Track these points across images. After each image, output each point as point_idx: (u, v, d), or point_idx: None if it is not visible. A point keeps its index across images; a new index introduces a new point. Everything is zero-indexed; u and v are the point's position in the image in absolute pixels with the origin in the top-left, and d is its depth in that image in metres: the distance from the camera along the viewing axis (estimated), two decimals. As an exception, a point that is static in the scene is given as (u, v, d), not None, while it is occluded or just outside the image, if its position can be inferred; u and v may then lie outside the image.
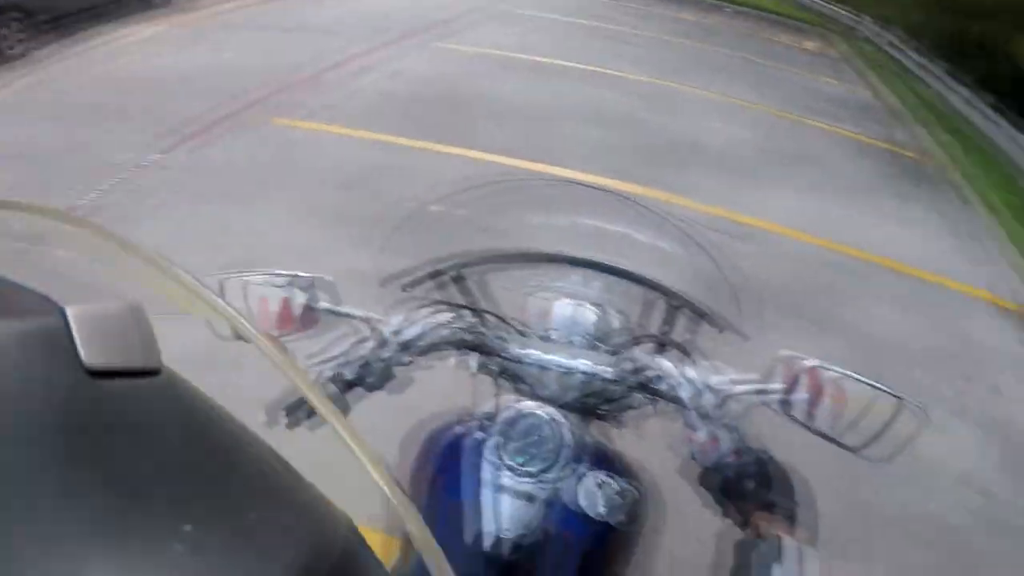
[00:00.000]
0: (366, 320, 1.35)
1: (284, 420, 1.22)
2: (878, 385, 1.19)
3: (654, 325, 1.69)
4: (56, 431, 0.32)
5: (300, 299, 1.35)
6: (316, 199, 5.16)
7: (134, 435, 0.35)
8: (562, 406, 1.38)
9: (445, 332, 1.37)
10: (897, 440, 1.17)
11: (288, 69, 7.12)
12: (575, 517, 1.25)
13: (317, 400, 0.45)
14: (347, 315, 1.36)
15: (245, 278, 1.36)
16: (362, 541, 0.43)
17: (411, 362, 1.37)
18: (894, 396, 1.17)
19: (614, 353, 1.59)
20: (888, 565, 3.38)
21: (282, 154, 5.77)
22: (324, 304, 1.35)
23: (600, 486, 1.25)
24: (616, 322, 1.76)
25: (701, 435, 1.23)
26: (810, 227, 6.09)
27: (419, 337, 1.34)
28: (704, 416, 1.24)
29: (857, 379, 1.20)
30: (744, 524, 1.12)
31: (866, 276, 5.59)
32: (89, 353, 0.34)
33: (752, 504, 1.12)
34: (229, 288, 1.33)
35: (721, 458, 1.21)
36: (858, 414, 1.19)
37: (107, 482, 0.32)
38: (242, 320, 0.46)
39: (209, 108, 6.54)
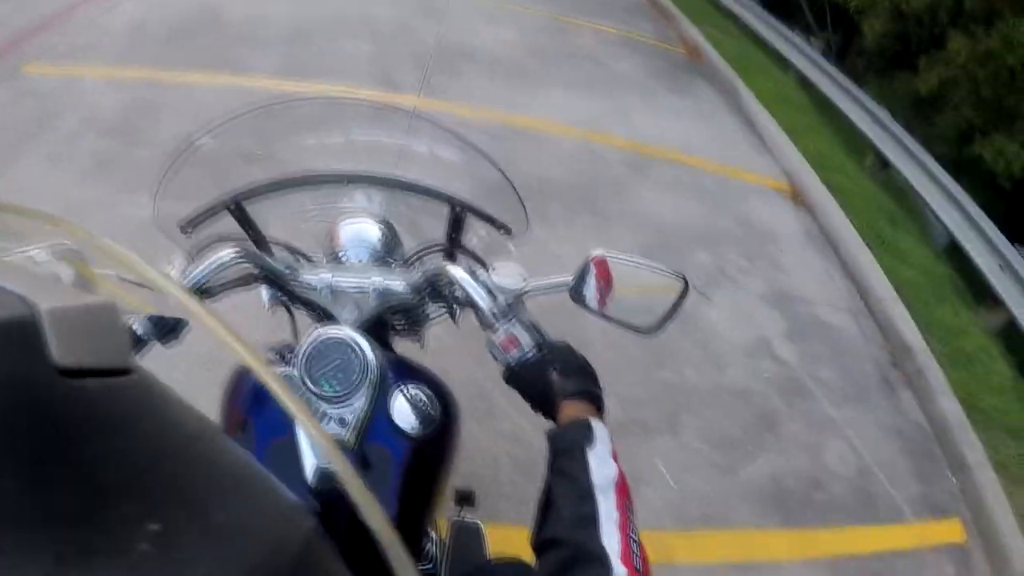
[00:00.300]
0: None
1: None
2: (657, 267, 1.23)
3: (441, 234, 1.70)
4: (25, 429, 0.31)
5: (67, 271, 1.18)
6: (80, 149, 4.67)
7: (103, 434, 0.34)
8: (362, 327, 1.36)
9: (232, 270, 1.31)
10: (669, 312, 1.24)
11: (34, 9, 6.34)
12: (389, 433, 1.25)
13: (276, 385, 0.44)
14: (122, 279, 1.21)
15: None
16: (323, 536, 0.44)
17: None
18: (671, 274, 1.23)
19: (405, 266, 1.61)
20: (694, 432, 3.60)
21: (37, 105, 5.13)
22: (98, 271, 1.20)
23: (410, 400, 1.27)
24: (404, 237, 1.76)
25: (500, 335, 1.24)
26: (588, 124, 6.19)
27: (206, 277, 1.26)
28: (500, 316, 1.25)
29: (640, 264, 1.24)
30: (553, 415, 1.15)
31: (646, 168, 5.75)
32: (60, 351, 0.34)
33: (558, 395, 1.14)
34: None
35: (522, 356, 1.23)
36: (642, 296, 1.25)
37: (75, 481, 0.31)
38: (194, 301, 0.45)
39: None
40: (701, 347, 4.02)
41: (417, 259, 1.67)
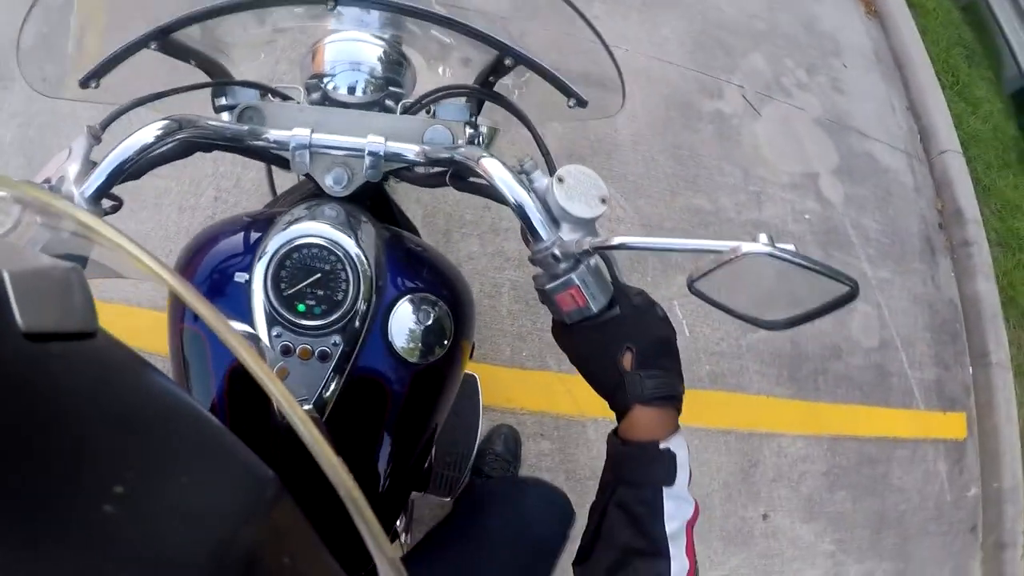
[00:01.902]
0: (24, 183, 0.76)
1: None
2: (825, 269, 0.75)
3: (471, 71, 1.27)
4: None
5: None
6: None
7: (69, 397, 0.34)
8: (351, 195, 1.08)
9: (163, 144, 0.92)
10: (814, 311, 0.80)
11: None
12: (387, 359, 1.03)
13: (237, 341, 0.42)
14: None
15: None
16: (290, 500, 0.42)
17: (118, 206, 0.93)
18: (841, 279, 0.74)
19: (414, 109, 1.22)
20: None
21: None
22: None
23: (413, 314, 1.03)
24: (414, 59, 1.35)
25: (556, 285, 0.88)
26: None
27: (119, 172, 0.88)
28: (562, 258, 0.87)
29: (806, 263, 0.74)
30: (618, 409, 0.88)
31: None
32: (25, 316, 0.33)
33: (630, 396, 0.84)
34: None
35: (585, 314, 0.88)
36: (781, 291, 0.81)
37: (41, 445, 0.31)
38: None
39: None
40: (742, 170, 3.50)
41: (434, 102, 1.23)
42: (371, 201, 1.22)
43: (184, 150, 1.04)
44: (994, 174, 4.32)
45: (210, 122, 1.01)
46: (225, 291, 1.01)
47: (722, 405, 2.86)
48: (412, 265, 1.11)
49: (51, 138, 2.46)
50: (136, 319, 2.26)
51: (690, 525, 0.82)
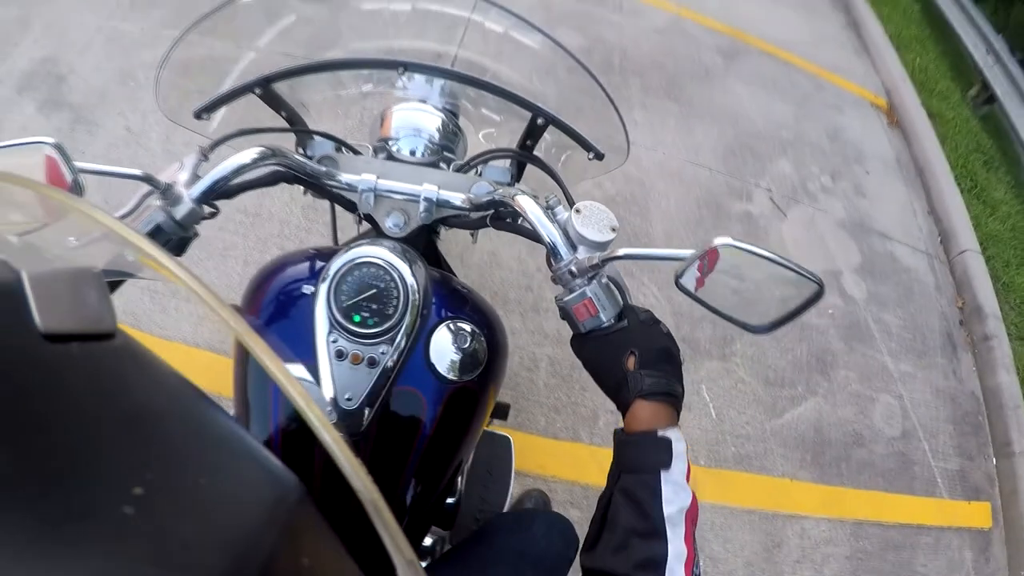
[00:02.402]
0: (145, 178, 1.04)
1: None
2: (791, 264, 0.95)
3: (511, 135, 1.50)
4: (9, 394, 0.31)
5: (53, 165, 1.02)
6: None
7: (88, 399, 0.34)
8: (407, 237, 1.25)
9: (257, 167, 1.11)
10: (790, 313, 0.98)
11: None
12: (426, 375, 1.14)
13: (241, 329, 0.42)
14: (118, 175, 1.03)
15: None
16: (310, 504, 0.43)
17: (216, 213, 1.12)
18: (806, 275, 0.94)
19: (464, 169, 1.42)
20: (747, 362, 3.40)
21: None
22: (84, 165, 1.02)
23: (454, 338, 1.16)
24: (467, 130, 1.57)
25: (573, 297, 1.04)
26: (683, -1, 5.67)
27: (221, 183, 1.07)
28: (578, 274, 1.04)
29: (771, 258, 0.94)
30: (622, 407, 0.99)
31: (739, 57, 5.30)
32: (44, 317, 0.34)
33: (632, 391, 0.96)
34: None
35: (598, 325, 1.04)
36: (753, 286, 0.99)
37: (60, 445, 0.31)
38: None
39: None
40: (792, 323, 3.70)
41: (481, 163, 1.43)
42: (423, 249, 1.38)
43: (271, 179, 1.21)
44: (1013, 271, 4.48)
45: (296, 157, 1.18)
46: (293, 301, 1.16)
47: (747, 485, 2.97)
48: (454, 298, 1.25)
49: (129, 184, 2.76)
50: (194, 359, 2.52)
51: (689, 516, 0.88)
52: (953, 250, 4.42)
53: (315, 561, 0.42)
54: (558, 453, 2.71)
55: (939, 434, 3.56)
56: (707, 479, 2.90)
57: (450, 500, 1.47)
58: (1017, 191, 5.26)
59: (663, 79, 4.65)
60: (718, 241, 0.95)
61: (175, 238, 1.05)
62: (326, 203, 1.51)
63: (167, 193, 1.04)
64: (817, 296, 0.95)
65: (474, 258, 3.11)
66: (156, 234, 1.03)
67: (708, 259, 0.99)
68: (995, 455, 3.65)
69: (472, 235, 1.81)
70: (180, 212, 1.04)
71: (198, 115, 1.37)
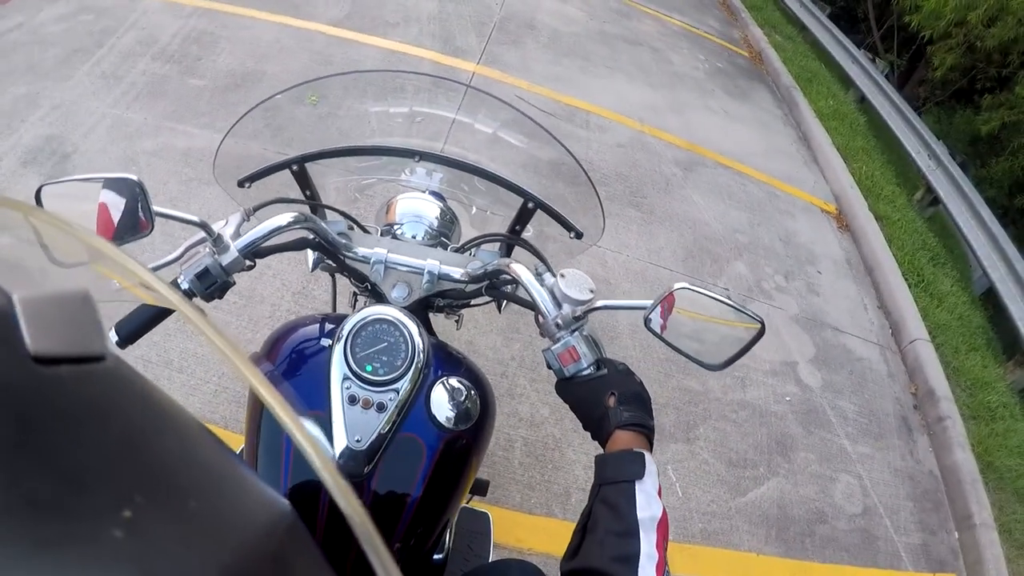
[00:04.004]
0: (202, 225, 1.20)
1: None
2: (738, 306, 1.19)
3: (503, 223, 1.66)
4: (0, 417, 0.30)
5: (119, 202, 1.18)
6: (133, 72, 4.67)
7: (78, 421, 0.34)
8: (408, 307, 1.36)
9: (287, 232, 1.29)
10: (739, 351, 1.21)
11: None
12: (426, 424, 1.22)
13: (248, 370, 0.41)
14: (181, 219, 1.20)
15: (63, 185, 1.19)
16: (300, 528, 0.43)
17: (252, 266, 1.29)
18: (751, 316, 1.19)
19: (460, 251, 1.56)
20: (710, 445, 3.57)
21: (95, 22, 5.13)
22: (154, 207, 1.18)
23: (450, 393, 1.24)
24: (461, 217, 1.74)
25: (559, 346, 1.21)
26: (641, 115, 6.13)
27: (262, 239, 1.25)
28: (563, 327, 1.21)
29: (721, 300, 1.19)
30: (602, 439, 1.13)
31: (696, 169, 5.69)
32: (35, 340, 0.33)
33: (611, 422, 1.11)
34: (49, 197, 1.17)
35: (579, 370, 1.20)
36: (707, 328, 1.22)
37: (49, 468, 0.30)
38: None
39: None
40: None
41: (475, 246, 1.62)
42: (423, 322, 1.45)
43: (297, 245, 1.36)
44: (962, 356, 4.77)
45: (322, 225, 1.33)
46: (307, 355, 1.27)
47: (715, 559, 3.11)
48: (451, 359, 1.35)
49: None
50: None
51: (660, 527, 0.95)
52: (904, 340, 4.70)
53: None
54: (533, 527, 2.86)
55: (900, 510, 3.72)
56: (676, 554, 3.04)
57: (438, 556, 1.55)
58: (963, 283, 5.59)
59: (626, 188, 5.04)
60: (676, 285, 1.20)
61: (219, 281, 1.22)
62: (315, 291, 1.72)
63: (218, 242, 1.21)
64: (760, 334, 1.17)
65: (453, 346, 3.29)
66: (203, 275, 1.20)
67: (668, 303, 1.21)
68: (957, 528, 3.81)
69: (457, 321, 1.95)
70: (226, 259, 1.21)
71: (241, 183, 1.55)
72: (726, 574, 3.12)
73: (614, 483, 1.00)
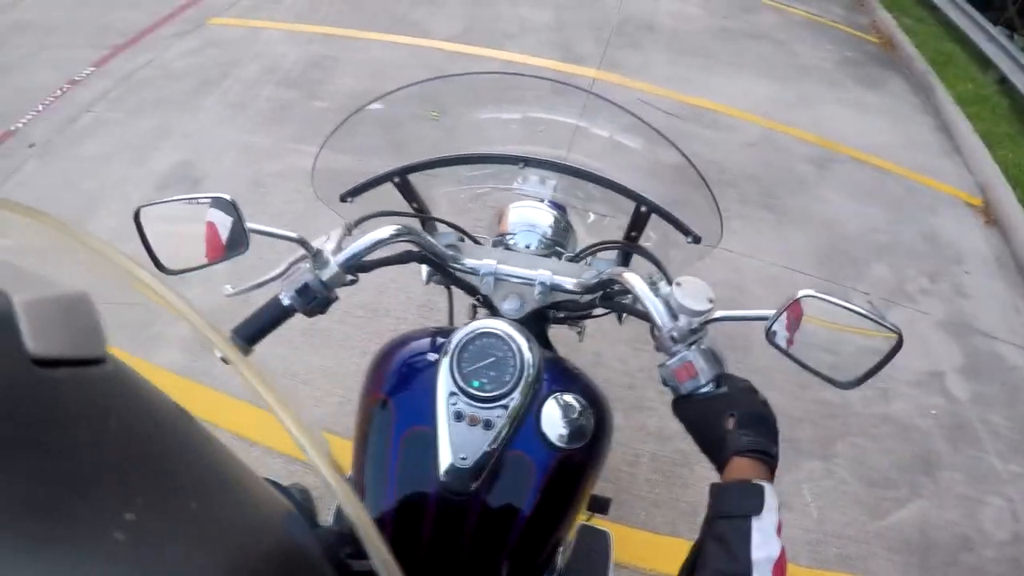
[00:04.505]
0: (300, 241, 1.22)
1: None
2: (871, 314, 1.10)
3: (619, 230, 1.61)
4: (0, 419, 0.30)
5: (225, 221, 1.21)
6: (257, 99, 4.96)
7: (76, 423, 0.34)
8: (520, 319, 1.34)
9: (392, 246, 1.28)
10: (875, 366, 1.12)
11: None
12: (536, 441, 1.19)
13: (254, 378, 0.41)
14: (279, 236, 1.23)
15: (159, 207, 1.21)
16: (301, 527, 0.43)
17: (355, 281, 1.29)
18: (886, 326, 1.10)
19: (575, 260, 1.56)
20: (848, 463, 3.41)
21: (220, 55, 5.54)
22: (252, 225, 1.21)
23: (563, 409, 1.20)
24: (576, 225, 1.71)
25: (675, 361, 1.15)
26: (769, 111, 5.93)
27: (363, 253, 1.25)
28: (679, 340, 1.16)
29: (852, 308, 1.12)
30: (719, 464, 1.06)
31: (827, 164, 5.46)
32: (35, 342, 0.33)
33: (730, 447, 1.04)
34: (148, 218, 1.19)
35: (697, 387, 1.13)
36: (837, 339, 1.15)
37: (48, 470, 0.30)
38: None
39: (139, 16, 6.16)
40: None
41: (590, 254, 1.58)
42: (536, 335, 1.41)
43: (403, 258, 1.35)
44: None
45: (428, 238, 1.31)
46: (416, 371, 1.25)
47: None
48: (566, 375, 1.32)
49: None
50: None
51: (778, 567, 0.90)
52: (1062, 346, 4.37)
53: None
54: (656, 547, 2.80)
55: (1055, 535, 3.49)
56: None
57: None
58: None
59: (758, 189, 4.88)
60: (801, 293, 1.13)
61: (320, 296, 1.22)
62: (440, 303, 1.68)
63: (317, 257, 1.21)
64: (898, 346, 1.08)
65: (579, 359, 3.27)
66: (304, 291, 1.20)
67: (793, 313, 1.14)
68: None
69: (579, 333, 1.93)
70: (326, 274, 1.21)
71: (343, 198, 1.56)
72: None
73: (728, 517, 0.95)
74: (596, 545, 2.06)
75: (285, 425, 0.41)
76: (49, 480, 0.30)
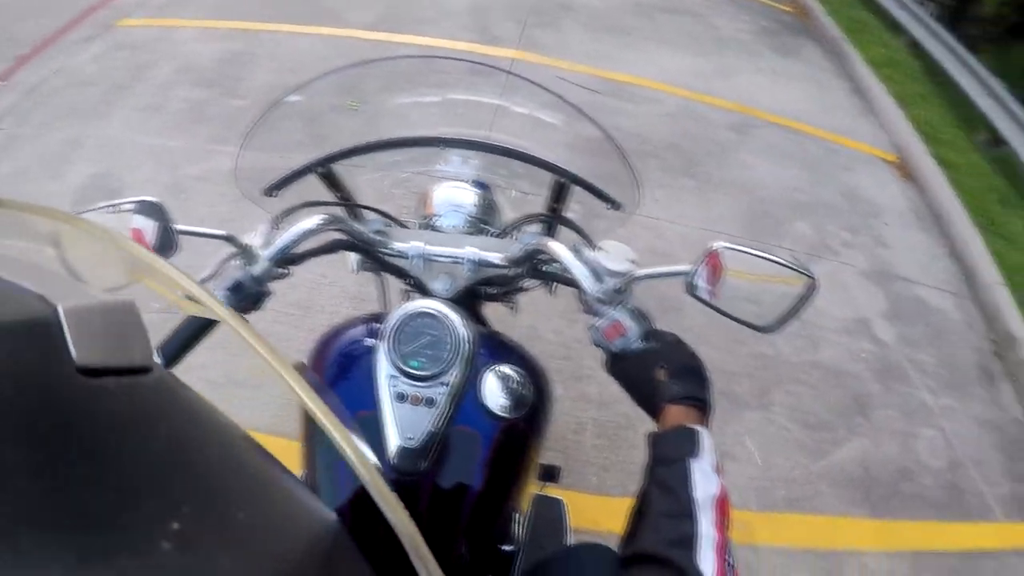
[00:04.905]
0: (228, 238, 1.22)
1: None
2: (785, 262, 1.15)
3: (542, 203, 1.63)
4: (45, 429, 0.30)
5: (151, 226, 1.20)
6: (173, 101, 4.83)
7: (123, 433, 0.34)
8: (452, 298, 1.34)
9: (320, 236, 1.28)
10: (792, 309, 1.17)
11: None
12: (479, 414, 1.21)
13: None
14: (207, 235, 1.22)
15: (87, 214, 1.17)
16: (346, 538, 0.43)
17: (287, 274, 1.29)
18: (801, 270, 1.15)
19: (502, 235, 1.58)
20: (786, 410, 3.52)
21: (132, 57, 5.36)
22: (179, 226, 1.21)
23: (502, 380, 1.22)
24: (500, 202, 1.72)
25: (603, 322, 1.18)
26: (688, 82, 6.05)
27: (291, 245, 1.24)
28: (605, 301, 1.18)
29: (766, 257, 1.16)
30: (655, 415, 1.10)
31: (747, 131, 5.60)
32: (80, 351, 0.33)
33: (663, 397, 1.09)
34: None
35: (627, 345, 1.17)
36: (757, 289, 1.19)
37: (95, 480, 0.30)
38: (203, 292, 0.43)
39: (45, 22, 5.93)
40: (797, 321, 3.84)
41: (516, 229, 1.61)
42: (469, 312, 1.45)
43: (332, 247, 1.35)
44: (1042, 298, 4.59)
45: (355, 225, 1.31)
46: (354, 358, 1.26)
47: (800, 526, 3.07)
48: (502, 347, 1.34)
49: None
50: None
51: (719, 505, 0.91)
52: (979, 286, 4.55)
53: None
54: (611, 509, 2.84)
55: (987, 461, 3.61)
56: (760, 523, 3.00)
57: (508, 548, 1.53)
58: (1038, 224, 5.41)
59: (680, 158, 4.98)
60: (715, 244, 1.17)
61: (253, 292, 1.21)
62: (373, 294, 1.70)
63: (246, 253, 1.20)
64: (812, 289, 1.13)
65: (515, 332, 3.29)
66: (237, 289, 1.18)
67: (712, 266, 1.17)
68: (1048, 478, 3.69)
69: (512, 308, 1.94)
70: (257, 269, 1.20)
71: (268, 193, 1.55)
72: (814, 540, 3.07)
73: (667, 463, 0.98)
74: (552, 514, 2.09)
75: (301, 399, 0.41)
76: (96, 490, 0.30)
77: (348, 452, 0.41)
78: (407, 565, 0.40)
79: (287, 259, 1.25)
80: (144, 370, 0.38)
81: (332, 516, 0.44)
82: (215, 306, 0.44)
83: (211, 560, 0.33)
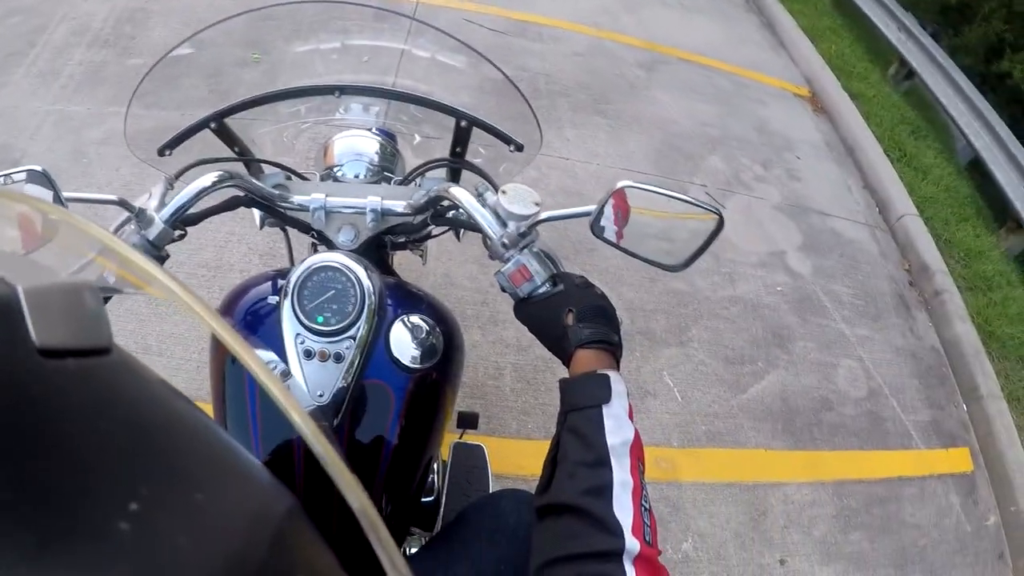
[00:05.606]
0: (120, 203, 1.14)
1: None
2: (691, 200, 1.10)
3: (445, 148, 1.61)
4: (6, 411, 0.30)
5: (46, 195, 1.11)
6: (69, 64, 4.41)
7: (83, 414, 0.33)
8: (357, 249, 1.32)
9: (216, 193, 1.21)
10: (700, 247, 1.12)
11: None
12: (389, 366, 1.19)
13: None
14: (97, 201, 1.14)
15: None
16: (304, 519, 0.42)
17: (183, 235, 1.22)
18: (707, 208, 1.10)
19: (405, 183, 1.55)
20: (704, 346, 3.45)
21: (23, 23, 4.86)
22: (68, 194, 1.13)
23: (411, 331, 1.21)
24: (404, 149, 1.72)
25: (509, 266, 1.14)
26: (597, 21, 5.87)
27: (187, 205, 1.17)
28: (510, 245, 1.15)
29: (672, 196, 1.10)
30: (566, 360, 1.07)
31: (657, 67, 5.47)
32: (40, 332, 0.33)
33: (572, 341, 1.05)
34: None
35: (534, 289, 1.14)
36: (665, 227, 1.15)
37: (54, 462, 0.30)
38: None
39: None
40: (712, 256, 3.80)
41: (419, 175, 1.56)
42: (377, 264, 1.41)
43: (230, 204, 1.32)
44: (953, 228, 4.64)
45: (253, 180, 1.28)
46: (261, 316, 1.23)
47: (722, 460, 3.03)
48: (409, 297, 1.31)
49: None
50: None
51: (634, 450, 0.92)
52: (892, 217, 4.56)
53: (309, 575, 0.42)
54: (533, 452, 2.76)
55: (906, 389, 3.64)
56: (682, 459, 2.96)
57: (428, 499, 1.52)
58: (947, 155, 5.45)
59: (589, 96, 4.80)
60: (620, 184, 1.09)
61: (150, 256, 1.08)
62: (283, 250, 1.64)
63: (140, 217, 1.13)
64: (719, 226, 1.08)
65: (428, 281, 3.18)
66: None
67: (618, 206, 1.11)
68: (964, 401, 3.75)
69: (422, 256, 1.89)
70: (152, 233, 1.12)
71: (161, 152, 1.47)
72: (736, 473, 3.03)
73: (579, 409, 0.95)
74: (473, 461, 2.09)
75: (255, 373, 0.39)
76: (54, 472, 0.30)
77: (282, 400, 0.40)
78: (360, 538, 0.37)
79: (184, 220, 1.19)
80: (104, 351, 0.37)
81: (291, 497, 0.42)
82: (132, 255, 0.41)
83: (169, 541, 0.32)
